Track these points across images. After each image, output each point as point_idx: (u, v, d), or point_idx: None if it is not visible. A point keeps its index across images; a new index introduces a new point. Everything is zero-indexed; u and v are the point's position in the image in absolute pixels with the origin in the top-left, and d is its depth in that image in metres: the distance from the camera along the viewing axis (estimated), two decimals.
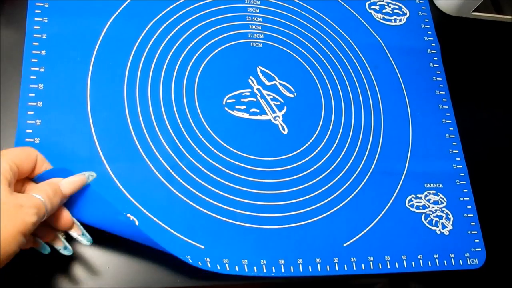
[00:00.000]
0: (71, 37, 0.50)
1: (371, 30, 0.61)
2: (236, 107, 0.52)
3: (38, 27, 0.50)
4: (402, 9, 0.63)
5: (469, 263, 0.52)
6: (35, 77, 0.48)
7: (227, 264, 0.46)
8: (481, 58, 0.64)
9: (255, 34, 0.56)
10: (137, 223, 0.45)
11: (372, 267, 0.50)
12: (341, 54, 0.58)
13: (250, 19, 0.57)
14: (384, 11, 0.62)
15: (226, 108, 0.52)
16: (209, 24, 0.55)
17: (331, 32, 0.59)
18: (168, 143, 0.49)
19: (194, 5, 0.55)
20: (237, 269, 0.46)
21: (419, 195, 0.54)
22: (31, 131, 0.46)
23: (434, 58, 0.61)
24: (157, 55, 0.52)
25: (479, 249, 0.53)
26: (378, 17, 0.62)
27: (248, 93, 0.53)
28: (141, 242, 0.43)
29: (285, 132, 0.53)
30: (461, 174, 0.56)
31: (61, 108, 0.47)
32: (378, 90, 0.58)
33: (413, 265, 0.51)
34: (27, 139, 0.45)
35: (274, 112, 0.53)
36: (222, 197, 0.48)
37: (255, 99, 0.53)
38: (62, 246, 0.39)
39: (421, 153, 0.56)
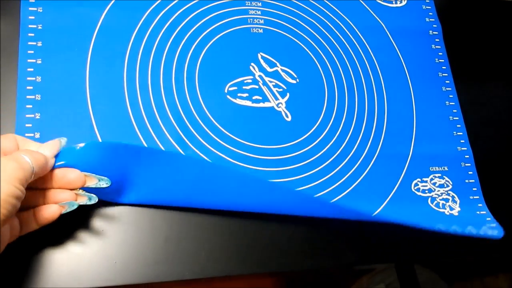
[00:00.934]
0: (67, 27, 0.49)
1: (372, 13, 0.60)
2: (238, 94, 0.51)
3: (33, 17, 0.48)
4: None
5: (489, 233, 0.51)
6: (32, 69, 0.46)
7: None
8: (483, 39, 0.63)
9: (255, 20, 0.55)
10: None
11: None
12: (342, 37, 0.57)
13: (249, 4, 0.56)
14: None
15: (228, 96, 0.51)
16: (208, 10, 0.54)
17: (331, 16, 0.58)
18: (170, 133, 0.48)
19: None
20: None
21: (425, 179, 0.54)
22: (30, 125, 0.45)
23: (436, 40, 0.61)
24: (156, 43, 0.51)
25: (494, 225, 0.52)
26: None
27: (250, 80, 0.52)
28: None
29: (289, 119, 0.52)
30: (466, 156, 0.56)
31: (61, 100, 0.46)
32: (380, 73, 0.57)
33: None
34: (27, 134, 0.44)
35: (276, 99, 0.52)
36: None
37: (257, 86, 0.52)
38: (86, 199, 0.39)
39: (426, 136, 0.55)
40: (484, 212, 0.53)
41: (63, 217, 0.38)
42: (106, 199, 0.43)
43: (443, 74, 0.59)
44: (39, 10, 0.49)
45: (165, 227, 0.45)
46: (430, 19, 0.62)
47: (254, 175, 0.46)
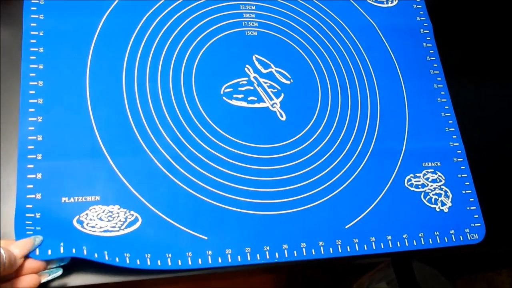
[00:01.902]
0: (68, 33, 0.51)
1: (364, 13, 0.61)
2: (234, 96, 0.53)
3: (35, 24, 0.50)
4: None
5: (469, 238, 0.53)
6: (34, 74, 0.48)
7: (229, 255, 0.47)
8: (473, 36, 0.65)
9: (249, 23, 0.57)
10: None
11: (374, 247, 0.51)
12: (334, 38, 0.59)
13: (243, 8, 0.57)
14: None
15: (224, 98, 0.53)
16: (203, 14, 0.56)
17: (324, 17, 0.59)
18: (168, 134, 0.50)
19: None
20: (239, 259, 0.47)
21: (418, 174, 0.55)
22: (33, 128, 0.46)
23: (427, 38, 0.62)
24: (153, 47, 0.53)
25: (479, 224, 0.54)
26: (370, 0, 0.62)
27: (245, 82, 0.54)
28: None
29: (283, 118, 0.54)
30: (458, 151, 0.57)
31: (62, 104, 0.48)
32: (373, 72, 0.58)
33: (415, 243, 0.52)
34: (30, 137, 0.46)
35: (271, 99, 0.54)
36: (224, 185, 0.49)
37: (252, 87, 0.54)
38: (48, 277, 0.41)
39: (418, 132, 0.57)
40: (474, 208, 0.55)
41: None
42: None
43: (435, 72, 0.60)
44: (40, 17, 0.51)
45: None
46: (421, 18, 0.63)
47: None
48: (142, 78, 0.51)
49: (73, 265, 0.43)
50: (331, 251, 0.50)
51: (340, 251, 0.50)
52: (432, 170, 0.56)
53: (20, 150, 0.45)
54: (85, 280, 0.44)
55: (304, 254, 0.49)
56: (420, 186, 0.55)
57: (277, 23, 0.58)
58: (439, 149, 0.57)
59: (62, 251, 0.41)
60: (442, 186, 0.55)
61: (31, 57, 0.49)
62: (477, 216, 0.55)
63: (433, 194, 0.54)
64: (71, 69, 0.49)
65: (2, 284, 0.39)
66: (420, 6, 0.64)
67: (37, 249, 0.41)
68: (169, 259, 0.45)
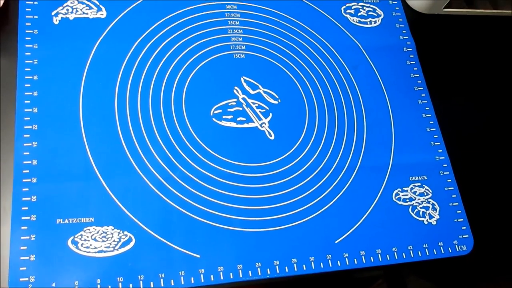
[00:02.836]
0: (61, 61, 0.53)
1: (348, 33, 0.63)
2: (224, 117, 0.55)
3: (29, 53, 0.52)
4: (376, 11, 0.66)
5: (458, 250, 0.54)
6: (29, 101, 0.50)
7: (221, 273, 0.48)
8: (455, 52, 0.67)
9: (237, 46, 0.59)
10: None
11: (364, 261, 0.52)
12: (320, 58, 0.61)
13: (231, 32, 0.59)
14: (359, 14, 0.65)
15: (214, 119, 0.54)
16: (192, 39, 0.58)
17: (309, 38, 0.61)
18: (160, 155, 0.51)
19: (176, 22, 0.58)
20: (231, 276, 0.48)
21: (405, 188, 0.56)
22: (28, 153, 0.48)
23: (411, 56, 0.64)
24: (144, 72, 0.54)
25: (467, 236, 0.55)
26: (354, 21, 0.64)
27: (234, 103, 0.56)
28: None
29: (272, 137, 0.55)
30: (444, 165, 0.59)
31: (56, 129, 0.50)
32: (358, 90, 0.60)
33: (404, 256, 0.53)
34: (25, 162, 0.47)
35: (260, 119, 0.56)
36: (215, 204, 0.50)
37: (241, 108, 0.56)
38: None
39: (404, 148, 0.58)
40: (462, 220, 0.56)
41: None
42: None
43: (419, 88, 0.62)
44: (34, 46, 0.52)
45: None
46: (404, 37, 0.65)
47: None
48: (134, 102, 0.53)
49: None
50: (322, 266, 0.51)
51: (330, 265, 0.51)
52: (419, 184, 0.57)
53: (16, 174, 0.47)
54: None
55: (295, 269, 0.50)
56: (407, 200, 0.56)
57: (264, 46, 0.60)
58: (426, 163, 0.58)
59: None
60: (429, 199, 0.56)
61: (26, 85, 0.50)
62: (464, 227, 0.56)
63: (420, 208, 0.56)
64: (65, 95, 0.51)
65: None
66: (402, 26, 0.66)
67: None
68: (162, 280, 0.46)
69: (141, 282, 0.46)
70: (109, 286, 0.45)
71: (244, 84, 0.57)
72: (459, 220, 0.56)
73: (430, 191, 0.57)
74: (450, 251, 0.54)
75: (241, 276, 0.48)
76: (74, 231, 0.46)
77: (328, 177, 0.55)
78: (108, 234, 0.47)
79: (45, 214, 0.46)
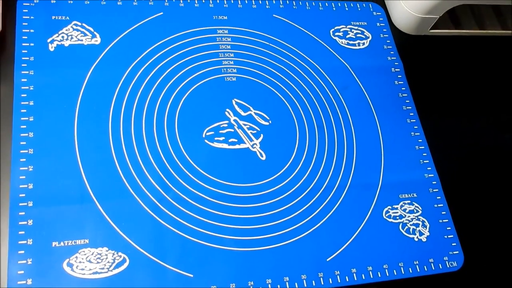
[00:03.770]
0: (56, 87, 0.54)
1: (337, 55, 0.65)
2: (215, 138, 0.56)
3: (25, 80, 0.53)
4: (365, 33, 0.67)
5: (448, 266, 0.55)
6: (25, 126, 0.51)
7: None
8: (442, 72, 0.68)
9: (228, 69, 0.60)
10: None
11: (355, 279, 0.53)
12: (310, 80, 0.62)
13: (222, 56, 0.61)
14: (347, 36, 0.66)
15: (206, 141, 0.56)
16: (184, 63, 0.59)
17: (299, 61, 0.63)
18: (153, 177, 0.52)
19: (169, 47, 0.59)
20: None
21: (395, 206, 0.57)
22: (24, 177, 0.49)
23: (399, 76, 0.66)
24: (138, 96, 0.56)
25: (457, 252, 0.56)
26: (342, 43, 0.66)
27: (225, 125, 0.57)
28: None
29: (263, 158, 0.56)
30: (433, 182, 0.60)
31: (51, 153, 0.51)
32: (348, 110, 0.61)
33: (395, 273, 0.54)
34: (21, 186, 0.49)
35: (251, 140, 0.57)
36: (207, 224, 0.51)
37: (232, 130, 0.57)
38: None
39: (394, 166, 0.59)
40: (452, 236, 0.57)
41: None
42: None
43: (407, 107, 0.64)
44: (30, 73, 0.54)
45: None
46: (392, 58, 0.67)
47: None
48: (127, 126, 0.54)
49: None
50: (314, 284, 0.51)
51: (322, 283, 0.52)
52: (409, 201, 0.58)
53: (12, 198, 0.48)
54: None
55: (287, 287, 0.51)
56: (398, 217, 0.57)
57: (255, 68, 0.61)
58: (415, 181, 0.59)
59: None
60: (419, 217, 0.57)
61: (22, 110, 0.52)
62: (455, 244, 0.57)
63: (410, 225, 0.57)
64: (60, 120, 0.52)
65: None
66: (390, 47, 0.68)
67: None
68: None
69: None
70: None
71: (236, 106, 0.58)
72: (449, 236, 0.57)
73: (420, 208, 0.58)
74: (441, 267, 0.55)
75: None
76: (69, 253, 0.47)
77: (319, 196, 0.56)
78: (102, 256, 0.48)
79: (41, 237, 0.47)
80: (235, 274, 0.50)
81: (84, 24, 0.58)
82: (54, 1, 0.58)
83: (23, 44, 0.55)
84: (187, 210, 0.52)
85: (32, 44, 0.55)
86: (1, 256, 0.46)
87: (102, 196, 0.50)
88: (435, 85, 0.67)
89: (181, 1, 0.63)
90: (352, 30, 0.67)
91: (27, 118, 0.52)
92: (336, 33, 0.66)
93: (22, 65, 0.54)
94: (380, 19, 0.70)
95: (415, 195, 0.59)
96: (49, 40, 0.56)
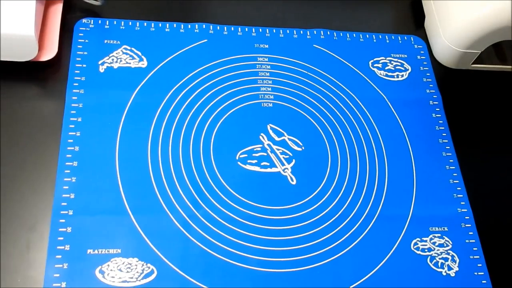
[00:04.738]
0: (103, 105, 0.58)
1: (374, 86, 0.66)
2: (248, 161, 0.58)
3: (76, 98, 0.58)
4: (404, 65, 0.68)
5: None
6: (72, 141, 0.55)
7: None
8: (481, 107, 0.68)
9: (265, 95, 0.63)
10: None
11: None
12: (345, 108, 0.63)
13: (261, 82, 0.63)
14: (386, 68, 0.67)
15: (239, 163, 0.58)
16: (223, 88, 0.62)
17: (335, 89, 0.65)
18: (186, 195, 0.55)
19: (210, 73, 0.63)
20: None
21: (424, 238, 0.57)
22: (67, 187, 0.53)
23: (437, 109, 0.66)
24: (177, 117, 0.59)
25: None
26: (381, 74, 0.67)
27: (259, 149, 0.59)
28: None
29: (294, 182, 0.58)
30: (466, 217, 0.59)
31: (94, 166, 0.54)
32: (382, 140, 0.62)
33: None
34: (64, 195, 0.52)
35: (283, 164, 0.59)
36: (233, 242, 0.53)
37: (265, 154, 0.59)
38: None
39: (426, 199, 0.59)
40: (482, 274, 0.56)
41: None
42: None
43: (443, 140, 0.63)
44: (81, 92, 0.58)
45: None
46: (431, 91, 0.67)
47: None
48: (166, 144, 0.57)
49: None
50: None
51: None
52: (439, 234, 0.58)
53: (55, 206, 0.52)
54: None
55: None
56: (426, 250, 0.56)
57: (291, 96, 0.63)
58: (447, 214, 0.59)
59: None
60: (449, 251, 0.57)
61: (70, 126, 0.56)
62: (485, 281, 0.56)
63: (439, 258, 0.56)
64: (104, 136, 0.56)
65: None
66: (430, 80, 0.68)
67: None
68: None
69: None
70: None
71: (270, 131, 0.60)
72: (479, 273, 0.56)
73: (450, 242, 0.57)
74: None
75: None
76: (102, 261, 0.50)
77: (346, 223, 0.56)
78: (132, 266, 0.50)
79: (77, 244, 0.50)
80: None
81: (133, 48, 0.62)
82: (108, 27, 0.63)
83: (77, 65, 0.60)
84: (215, 227, 0.54)
85: (84, 66, 0.60)
86: (40, 259, 0.50)
87: (136, 209, 0.53)
88: (474, 120, 0.67)
89: (225, 30, 0.66)
90: (392, 62, 0.68)
91: (74, 133, 0.56)
92: (375, 64, 0.68)
93: (74, 84, 0.59)
94: (421, 52, 0.70)
95: (446, 229, 0.58)
96: (100, 62, 0.60)
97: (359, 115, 0.63)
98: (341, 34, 0.69)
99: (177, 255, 0.52)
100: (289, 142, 0.60)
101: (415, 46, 0.71)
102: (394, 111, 0.64)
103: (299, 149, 0.60)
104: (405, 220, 0.58)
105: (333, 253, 0.55)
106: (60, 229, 0.51)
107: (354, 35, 0.70)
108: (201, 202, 0.55)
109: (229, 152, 0.58)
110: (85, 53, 0.61)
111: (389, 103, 0.65)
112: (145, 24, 0.65)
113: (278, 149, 0.59)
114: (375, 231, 0.57)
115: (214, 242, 0.53)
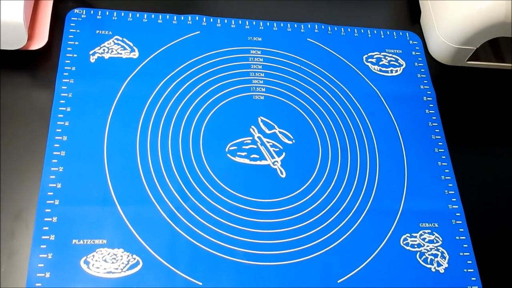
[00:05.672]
0: (93, 95, 0.58)
1: (368, 81, 0.65)
2: (238, 153, 0.58)
3: (65, 87, 0.57)
4: (399, 61, 0.68)
5: None
6: (60, 130, 0.55)
7: None
8: (475, 104, 0.67)
9: (257, 88, 0.62)
10: None
11: None
12: (337, 102, 0.63)
13: (253, 75, 0.63)
14: (380, 63, 0.67)
15: (228, 155, 0.57)
16: (215, 80, 0.62)
17: (328, 83, 0.64)
18: (173, 185, 0.54)
19: (201, 64, 0.62)
20: None
21: (414, 234, 0.56)
22: (54, 177, 0.52)
23: (430, 105, 0.65)
24: (167, 109, 0.59)
25: (476, 287, 0.55)
26: (375, 69, 0.66)
27: (249, 141, 0.59)
28: None
29: (283, 176, 0.57)
30: (457, 214, 0.59)
31: (81, 156, 0.54)
32: (374, 135, 0.62)
33: None
34: (50, 184, 0.52)
35: (273, 157, 0.58)
36: (221, 235, 0.53)
37: (255, 146, 0.58)
38: None
39: (416, 194, 0.59)
40: (472, 270, 0.55)
41: None
42: None
43: (436, 137, 0.63)
44: (71, 81, 0.58)
45: None
46: (425, 87, 0.66)
47: None
48: (155, 135, 0.57)
49: None
50: None
51: None
52: (429, 230, 0.57)
53: (41, 195, 0.51)
54: None
55: None
56: (416, 246, 0.56)
57: (283, 89, 0.63)
58: (438, 210, 0.58)
59: None
60: (439, 247, 0.56)
61: (59, 115, 0.56)
62: (474, 278, 0.55)
63: (429, 254, 0.56)
64: (93, 126, 0.56)
65: None
66: (424, 76, 0.67)
67: None
68: None
69: None
70: None
71: (261, 124, 0.60)
72: (469, 270, 0.56)
73: (440, 238, 0.57)
74: None
75: None
76: (87, 251, 0.50)
77: (336, 217, 0.56)
78: (118, 256, 0.50)
79: (63, 234, 0.50)
80: (243, 286, 0.51)
81: (124, 39, 0.62)
82: (100, 17, 0.63)
83: (67, 55, 0.59)
84: (202, 219, 0.53)
85: (75, 55, 0.59)
86: (24, 248, 0.49)
87: (123, 200, 0.53)
88: (468, 117, 0.66)
89: (219, 22, 0.66)
90: (386, 57, 0.68)
91: (63, 123, 0.55)
92: (369, 59, 0.67)
93: (64, 73, 0.58)
94: (416, 48, 0.70)
95: (436, 225, 0.58)
96: (91, 52, 0.60)
97: (352, 110, 0.63)
98: (336, 29, 0.69)
99: (164, 246, 0.51)
100: (280, 135, 0.60)
101: (410, 41, 0.70)
102: (387, 106, 0.64)
103: (290, 142, 0.60)
104: (395, 215, 0.57)
105: (321, 247, 0.54)
106: (46, 219, 0.50)
107: (349, 29, 0.69)
108: (189, 193, 0.54)
109: (219, 144, 0.58)
110: (76, 43, 0.60)
111: (382, 98, 0.64)
112: (138, 15, 0.64)
113: (268, 142, 0.59)
114: (364, 226, 0.56)
115: (201, 234, 0.53)
